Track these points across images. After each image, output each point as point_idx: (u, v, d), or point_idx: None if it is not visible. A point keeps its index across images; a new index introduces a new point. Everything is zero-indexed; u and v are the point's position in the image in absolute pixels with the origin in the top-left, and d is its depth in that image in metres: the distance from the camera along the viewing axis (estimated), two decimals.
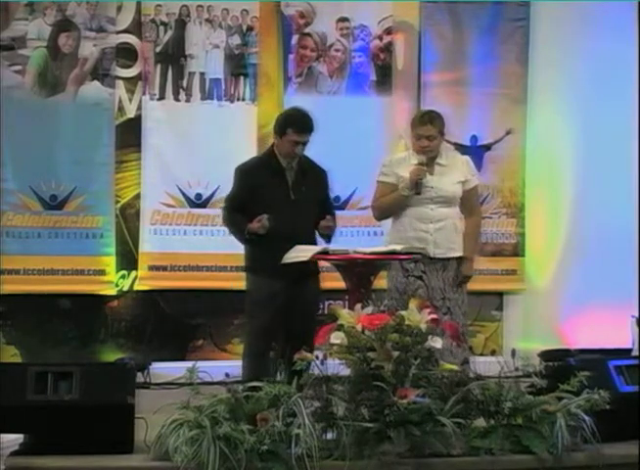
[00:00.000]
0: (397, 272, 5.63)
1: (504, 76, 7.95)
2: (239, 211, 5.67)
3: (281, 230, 5.43)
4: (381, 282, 5.59)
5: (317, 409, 4.51)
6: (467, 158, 5.98)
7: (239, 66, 7.67)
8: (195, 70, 7.61)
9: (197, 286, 7.47)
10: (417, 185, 5.54)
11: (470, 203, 5.78)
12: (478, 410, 4.66)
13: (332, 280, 5.77)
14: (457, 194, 5.68)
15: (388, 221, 5.87)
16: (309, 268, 5.53)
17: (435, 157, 5.66)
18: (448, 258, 5.64)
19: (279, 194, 5.61)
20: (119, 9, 7.50)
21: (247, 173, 5.75)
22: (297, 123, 5.65)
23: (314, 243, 5.61)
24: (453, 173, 5.70)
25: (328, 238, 5.73)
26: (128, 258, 7.53)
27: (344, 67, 7.80)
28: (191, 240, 7.54)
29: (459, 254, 5.67)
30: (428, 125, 5.61)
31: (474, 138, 7.92)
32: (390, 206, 5.70)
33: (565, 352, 6.96)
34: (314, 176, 5.76)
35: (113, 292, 7.50)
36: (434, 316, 4.69)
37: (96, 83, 7.43)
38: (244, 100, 7.65)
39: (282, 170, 5.66)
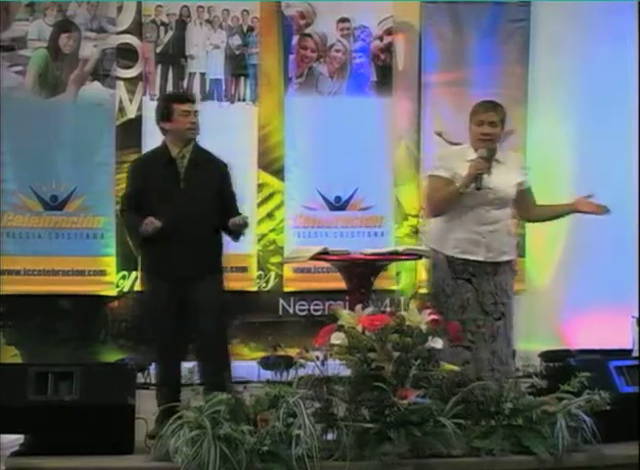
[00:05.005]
0: (444, 274, 5.21)
1: (504, 77, 7.93)
2: (135, 210, 5.48)
3: (171, 220, 5.29)
4: (381, 283, 5.57)
5: (318, 410, 4.51)
6: (520, 155, 5.81)
7: (239, 66, 7.66)
8: (195, 71, 7.61)
9: None
10: (477, 179, 5.10)
11: (529, 202, 5.44)
12: (478, 411, 4.66)
13: (332, 280, 5.75)
14: (512, 195, 5.30)
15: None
16: (206, 266, 5.39)
17: (495, 150, 5.26)
18: (499, 262, 5.23)
19: (169, 184, 5.44)
20: (120, 9, 7.50)
21: (137, 168, 5.63)
22: (178, 96, 5.81)
23: (209, 234, 5.45)
24: (510, 173, 5.30)
25: (235, 236, 5.54)
26: (129, 259, 7.51)
27: (345, 67, 7.79)
28: None
29: (511, 257, 5.32)
30: (490, 112, 5.25)
31: None
32: (445, 202, 5.21)
33: (565, 353, 6.98)
34: (209, 167, 5.54)
35: (113, 292, 7.50)
36: (434, 317, 4.68)
37: (96, 84, 7.44)
38: (244, 100, 7.64)
39: (173, 160, 5.48)
